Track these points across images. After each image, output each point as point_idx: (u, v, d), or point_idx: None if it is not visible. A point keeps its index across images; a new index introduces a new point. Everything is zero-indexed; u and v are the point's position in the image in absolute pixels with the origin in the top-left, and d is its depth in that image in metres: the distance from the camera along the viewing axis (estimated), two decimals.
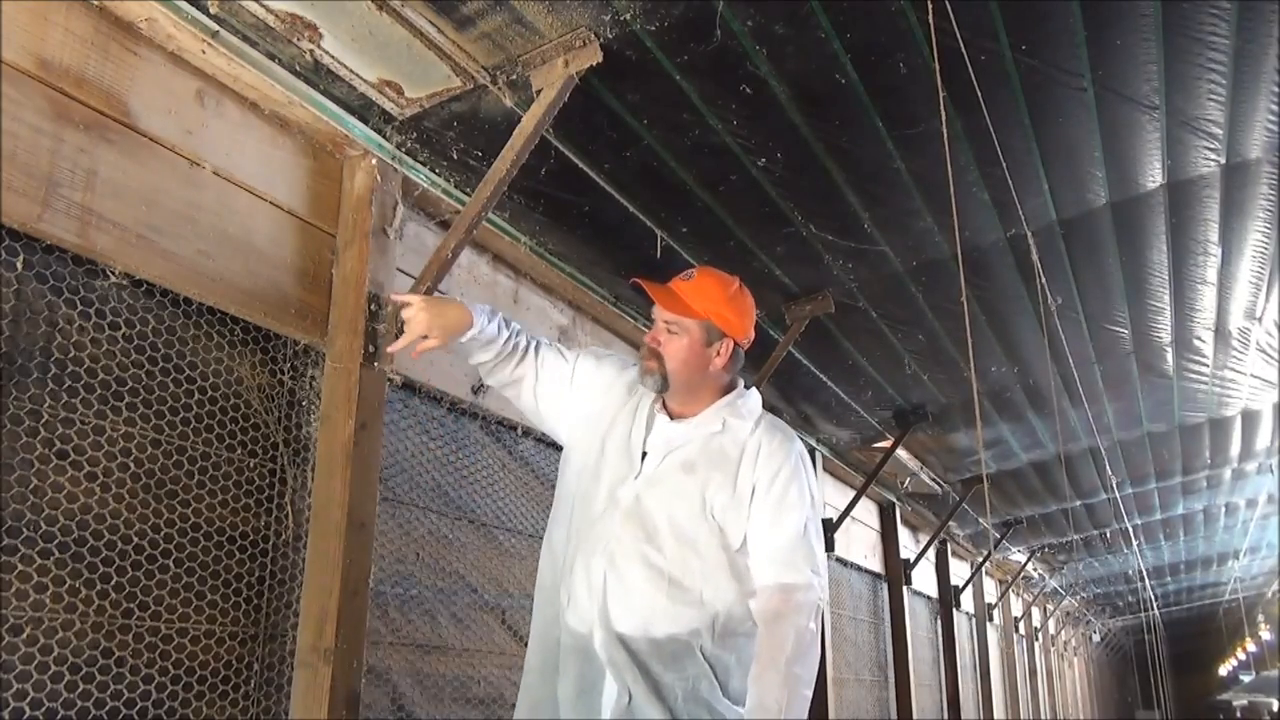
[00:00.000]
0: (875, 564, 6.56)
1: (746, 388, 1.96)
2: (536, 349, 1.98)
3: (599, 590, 1.74)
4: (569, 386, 1.96)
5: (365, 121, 2.36)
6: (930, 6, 2.02)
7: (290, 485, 2.19)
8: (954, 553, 8.57)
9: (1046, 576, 11.69)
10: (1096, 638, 20.78)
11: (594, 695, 1.71)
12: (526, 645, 1.89)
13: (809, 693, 1.68)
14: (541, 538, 1.97)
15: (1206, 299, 3.96)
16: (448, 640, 2.63)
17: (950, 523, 7.21)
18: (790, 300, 3.52)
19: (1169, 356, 4.55)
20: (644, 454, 1.84)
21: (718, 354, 1.86)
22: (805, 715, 1.67)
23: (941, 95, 2.14)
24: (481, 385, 2.82)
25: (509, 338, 1.94)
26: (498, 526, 2.92)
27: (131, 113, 1.91)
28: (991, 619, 9.96)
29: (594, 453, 1.87)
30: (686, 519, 1.77)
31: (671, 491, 1.79)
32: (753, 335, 1.94)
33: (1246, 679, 21.44)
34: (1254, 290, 3.95)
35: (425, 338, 1.85)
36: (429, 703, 2.52)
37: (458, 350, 1.92)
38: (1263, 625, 21.99)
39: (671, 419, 1.88)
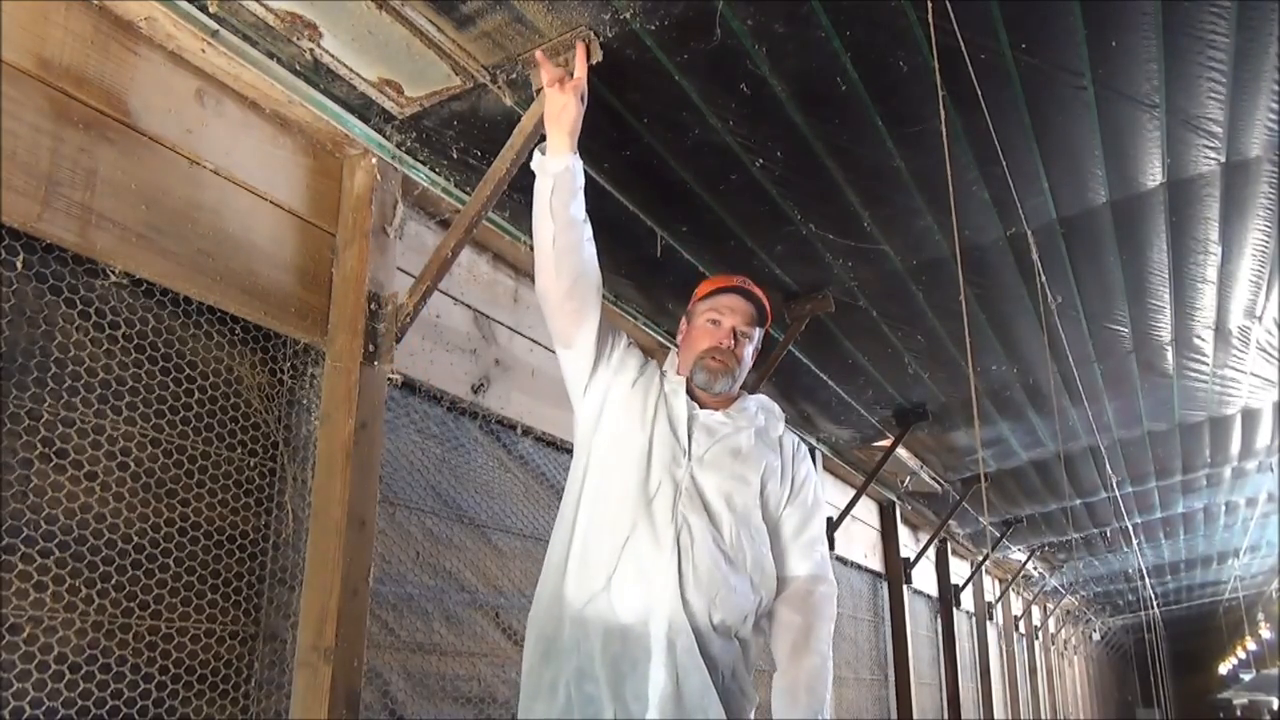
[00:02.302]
0: (875, 563, 6.56)
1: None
2: (604, 317, 1.95)
3: (670, 571, 1.73)
4: (608, 364, 1.93)
5: (365, 120, 2.36)
6: (930, 5, 2.02)
7: (290, 485, 2.19)
8: (954, 551, 8.57)
9: (1046, 575, 11.70)
10: (1096, 636, 20.80)
11: (635, 680, 1.69)
12: (520, 645, 1.89)
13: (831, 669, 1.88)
14: (538, 537, 1.98)
15: (1206, 297, 3.96)
16: (441, 640, 2.63)
17: (950, 521, 7.22)
18: (790, 299, 3.52)
19: (1169, 355, 4.55)
20: (689, 436, 1.89)
21: (752, 358, 2.04)
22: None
23: (941, 94, 2.14)
24: (482, 384, 2.82)
25: (589, 234, 1.91)
26: (493, 527, 2.91)
27: (131, 112, 1.91)
28: (991, 618, 9.97)
29: (638, 432, 1.86)
30: (743, 503, 1.85)
31: (726, 474, 1.86)
32: None
33: (1247, 677, 21.45)
34: (1254, 289, 3.95)
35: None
36: (421, 702, 2.52)
37: (562, 180, 1.85)
38: (1263, 624, 22.00)
39: (704, 410, 1.95)
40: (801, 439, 2.06)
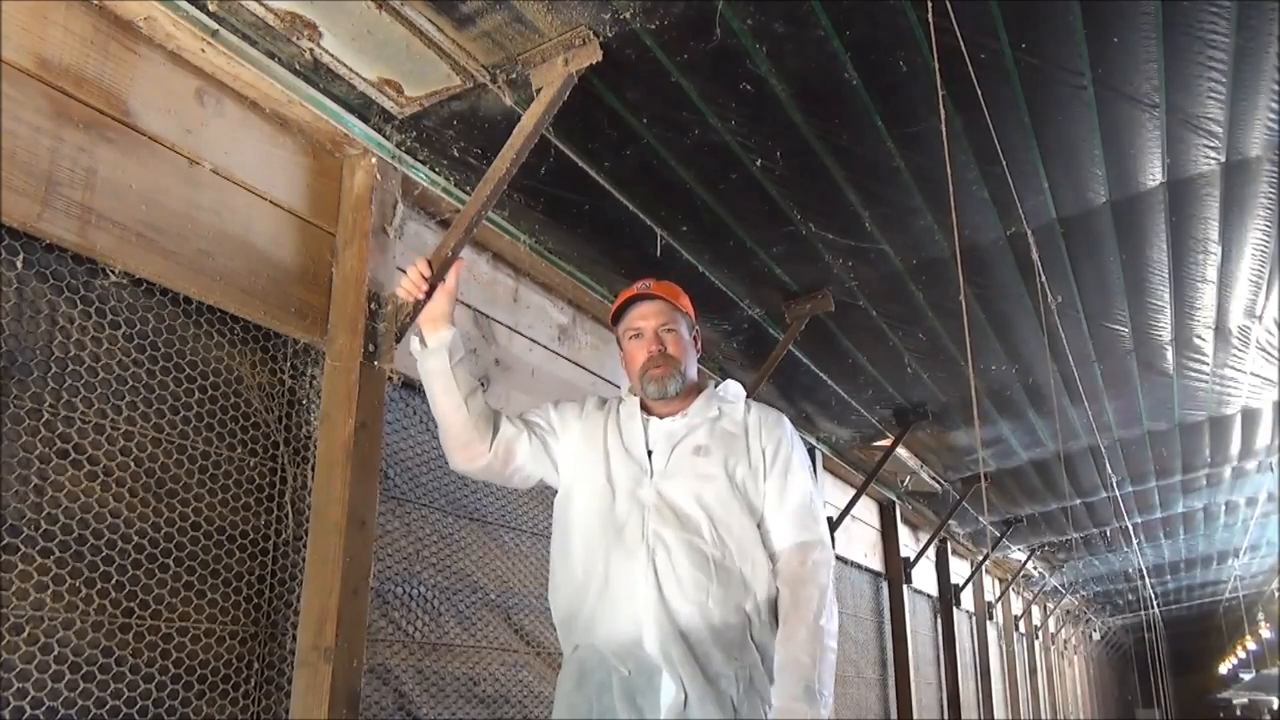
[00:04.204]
0: (875, 562, 6.56)
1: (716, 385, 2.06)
2: (523, 419, 2.02)
3: (649, 587, 1.75)
4: (558, 438, 2.01)
5: (365, 120, 2.36)
6: (930, 5, 2.02)
7: (291, 484, 2.19)
8: (954, 551, 8.57)
9: (1046, 575, 11.70)
10: (1096, 636, 20.79)
11: (650, 693, 1.72)
12: (530, 643, 1.90)
13: (835, 645, 1.77)
14: (545, 535, 1.99)
15: (1206, 297, 3.96)
16: (452, 639, 2.63)
17: (950, 521, 7.21)
18: (790, 299, 3.52)
19: (1169, 355, 4.55)
20: (649, 454, 1.89)
21: (696, 342, 2.03)
22: (834, 667, 1.74)
23: (941, 93, 2.15)
24: (482, 383, 2.82)
25: (476, 389, 1.95)
26: (502, 525, 2.92)
27: (131, 112, 1.91)
28: (992, 617, 9.97)
29: (599, 466, 1.90)
30: (716, 500, 1.82)
31: (693, 476, 1.84)
32: None
33: (1246, 677, 21.44)
34: (1254, 288, 3.95)
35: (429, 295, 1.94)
36: (433, 701, 2.52)
37: (454, 347, 1.93)
38: (1263, 623, 21.99)
39: (660, 419, 1.94)
40: (801, 437, 2.01)
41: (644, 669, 1.73)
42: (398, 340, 2.35)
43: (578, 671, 1.80)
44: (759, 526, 1.84)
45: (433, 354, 1.91)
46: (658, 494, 1.83)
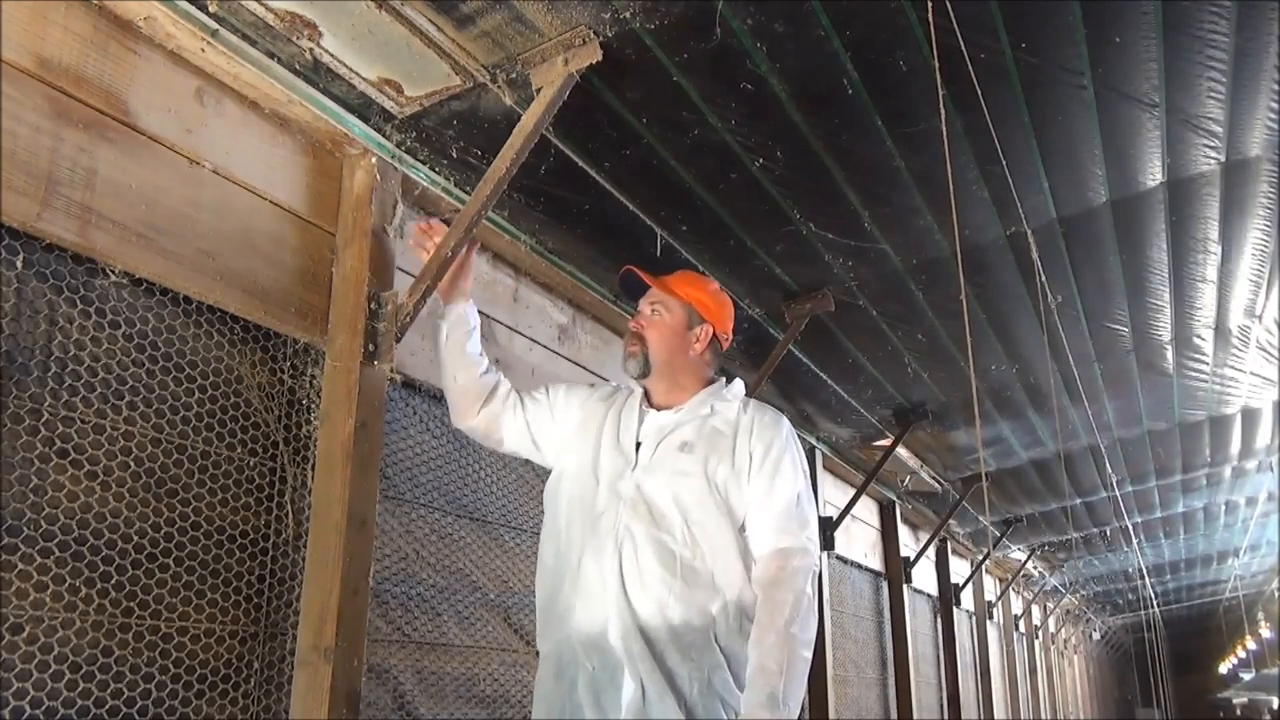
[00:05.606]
0: (875, 562, 6.56)
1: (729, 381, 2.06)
2: (519, 395, 2.11)
3: (614, 580, 1.75)
4: (552, 419, 2.05)
5: (365, 120, 2.36)
6: (930, 5, 2.02)
7: (290, 484, 2.19)
8: (954, 551, 8.57)
9: (1047, 574, 11.70)
10: (1096, 635, 20.79)
11: (612, 691, 1.72)
12: (530, 643, 1.92)
13: (808, 654, 1.72)
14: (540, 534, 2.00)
15: (1206, 297, 3.96)
16: (452, 638, 2.64)
17: (950, 521, 7.21)
18: (790, 299, 3.52)
19: (1169, 354, 4.55)
20: (637, 445, 1.90)
21: (698, 339, 2.01)
22: (805, 676, 1.71)
23: (941, 93, 2.15)
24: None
25: (489, 367, 2.11)
26: (501, 524, 2.92)
27: (131, 111, 1.91)
28: (992, 617, 9.97)
29: (589, 455, 1.91)
30: (692, 498, 1.81)
31: (672, 473, 1.84)
32: (731, 336, 2.10)
33: (1246, 677, 21.45)
34: (1254, 288, 3.95)
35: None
36: (432, 701, 2.52)
37: (455, 323, 2.09)
38: (1263, 623, 22.00)
39: (658, 412, 1.95)
40: (801, 437, 2.02)
41: (608, 664, 1.73)
42: (398, 340, 2.35)
43: (555, 667, 1.81)
44: (743, 529, 1.82)
45: (439, 327, 2.13)
46: (636, 488, 1.83)
